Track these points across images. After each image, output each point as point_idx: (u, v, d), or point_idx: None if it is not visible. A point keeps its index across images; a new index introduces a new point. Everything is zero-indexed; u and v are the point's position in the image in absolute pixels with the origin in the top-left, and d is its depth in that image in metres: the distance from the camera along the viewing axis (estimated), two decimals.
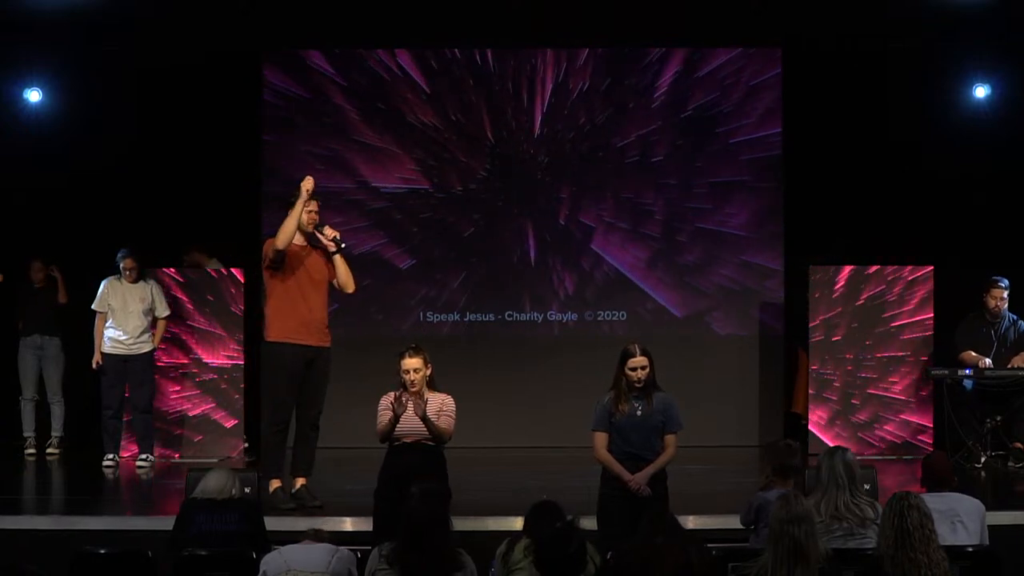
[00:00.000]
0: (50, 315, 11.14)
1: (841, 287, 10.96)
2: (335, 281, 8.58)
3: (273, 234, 8.49)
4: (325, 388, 8.57)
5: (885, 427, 10.88)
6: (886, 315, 10.92)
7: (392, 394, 7.39)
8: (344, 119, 11.84)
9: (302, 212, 8.39)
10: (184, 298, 10.92)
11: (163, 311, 10.58)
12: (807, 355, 11.18)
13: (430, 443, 7.35)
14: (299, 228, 8.43)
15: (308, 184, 8.44)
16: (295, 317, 8.41)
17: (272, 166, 11.75)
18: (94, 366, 10.47)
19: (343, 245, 8.56)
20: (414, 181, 11.85)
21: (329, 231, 8.53)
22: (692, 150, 11.82)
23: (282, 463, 8.55)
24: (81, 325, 10.72)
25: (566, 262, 11.87)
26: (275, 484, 8.41)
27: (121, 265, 10.46)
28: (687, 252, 11.85)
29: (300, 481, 8.50)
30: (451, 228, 11.87)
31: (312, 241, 8.54)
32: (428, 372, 7.44)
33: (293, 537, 6.44)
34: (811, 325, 10.95)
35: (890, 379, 10.90)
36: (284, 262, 8.40)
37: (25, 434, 11.13)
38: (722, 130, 11.81)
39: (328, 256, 8.53)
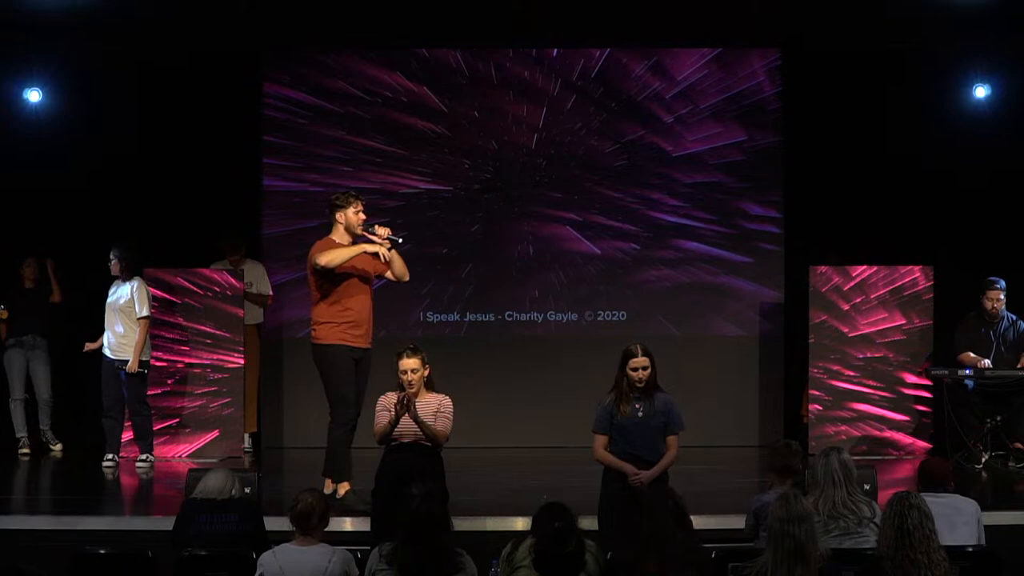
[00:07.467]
0: (42, 315, 11.13)
1: (842, 288, 10.95)
2: (389, 274, 8.57)
3: (310, 243, 8.54)
4: (365, 390, 8.52)
5: (885, 427, 10.87)
6: (886, 315, 10.90)
7: (390, 395, 7.38)
8: (344, 120, 11.82)
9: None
10: (183, 297, 10.89)
11: (139, 311, 10.23)
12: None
13: (427, 443, 7.34)
14: (347, 230, 8.45)
15: (384, 232, 8.43)
16: (344, 319, 8.41)
17: (272, 166, 11.74)
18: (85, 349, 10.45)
19: (399, 240, 8.55)
20: (414, 182, 11.84)
21: (380, 230, 8.50)
22: (692, 151, 11.81)
23: (351, 463, 8.46)
24: (78, 326, 10.71)
25: (566, 262, 11.86)
26: (344, 488, 8.33)
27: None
28: (687, 252, 11.84)
29: (345, 487, 8.40)
30: (451, 228, 11.85)
31: (357, 240, 8.51)
32: (426, 372, 7.43)
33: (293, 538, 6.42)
34: (811, 325, 10.94)
35: (890, 380, 10.89)
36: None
37: (18, 435, 11.12)
38: (722, 131, 11.80)
39: (376, 253, 8.47)
